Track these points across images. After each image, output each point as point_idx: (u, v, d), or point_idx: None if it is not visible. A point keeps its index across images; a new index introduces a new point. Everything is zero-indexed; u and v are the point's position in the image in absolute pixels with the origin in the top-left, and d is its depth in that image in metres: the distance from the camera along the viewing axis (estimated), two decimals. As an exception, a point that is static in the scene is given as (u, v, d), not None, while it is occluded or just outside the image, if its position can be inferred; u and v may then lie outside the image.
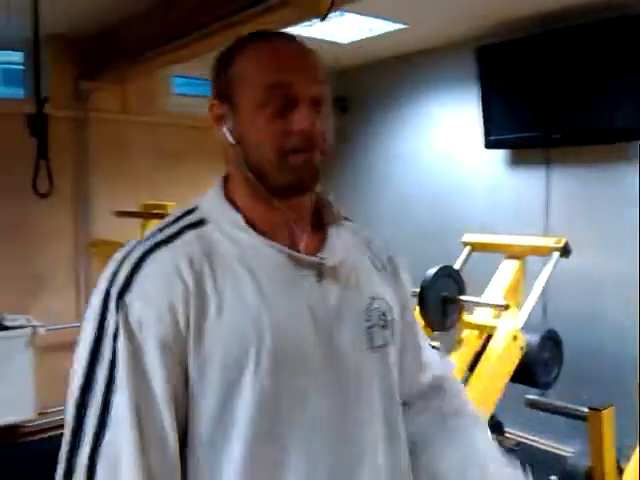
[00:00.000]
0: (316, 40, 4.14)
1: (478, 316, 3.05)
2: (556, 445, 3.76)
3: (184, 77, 4.94)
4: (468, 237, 3.35)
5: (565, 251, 3.04)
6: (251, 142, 0.91)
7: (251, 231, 0.92)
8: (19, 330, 3.88)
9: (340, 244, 0.99)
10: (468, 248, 3.33)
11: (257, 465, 0.86)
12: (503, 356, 2.72)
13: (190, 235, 0.91)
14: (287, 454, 0.87)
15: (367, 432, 0.94)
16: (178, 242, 0.90)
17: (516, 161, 4.04)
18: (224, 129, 0.94)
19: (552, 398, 3.20)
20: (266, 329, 0.86)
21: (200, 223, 0.93)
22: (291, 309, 0.90)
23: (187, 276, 0.86)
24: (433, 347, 1.19)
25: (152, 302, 0.85)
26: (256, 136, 0.90)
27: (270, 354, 0.86)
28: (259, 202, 0.95)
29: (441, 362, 1.15)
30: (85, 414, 0.84)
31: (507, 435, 2.96)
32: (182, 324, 0.85)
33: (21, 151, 3.40)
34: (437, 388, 1.11)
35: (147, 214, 3.65)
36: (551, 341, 2.95)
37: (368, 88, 4.99)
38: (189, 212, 0.96)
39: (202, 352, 0.85)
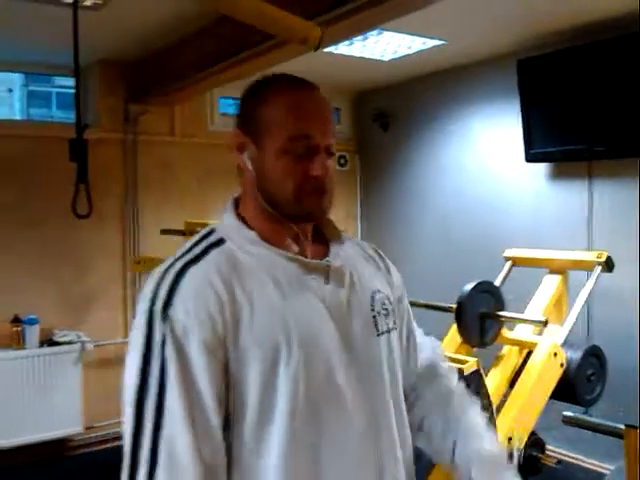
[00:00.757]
0: (356, 58, 4.21)
1: (519, 332, 3.02)
2: (599, 464, 3.66)
3: (230, 98, 5.07)
4: (509, 252, 3.32)
5: (608, 265, 2.99)
6: (271, 178, 1.07)
7: (265, 244, 1.07)
8: (69, 346, 4.03)
9: (341, 251, 1.16)
10: (509, 263, 3.30)
11: (297, 445, 1.00)
12: (543, 373, 2.68)
13: (215, 252, 1.06)
14: (323, 433, 1.02)
15: (382, 405, 1.10)
16: (207, 259, 1.04)
17: (558, 174, 3.99)
18: (244, 156, 1.10)
19: (596, 416, 3.14)
20: (292, 324, 1.01)
21: (220, 242, 1.08)
22: (308, 306, 1.05)
23: (219, 288, 1.00)
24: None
25: (192, 313, 0.97)
26: (276, 175, 1.06)
27: (298, 344, 1.01)
28: (268, 220, 1.11)
29: (430, 342, 1.34)
30: (143, 413, 0.95)
31: (548, 453, 2.90)
32: (220, 329, 0.98)
33: (68, 173, 3.54)
34: (431, 369, 1.29)
35: (191, 232, 3.75)
36: (594, 357, 2.89)
37: (409, 104, 5.02)
38: (208, 234, 1.10)
39: (240, 351, 0.99)
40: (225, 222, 1.12)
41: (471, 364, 2.43)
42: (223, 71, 3.46)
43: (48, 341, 4.07)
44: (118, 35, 3.77)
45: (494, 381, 2.84)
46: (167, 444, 0.94)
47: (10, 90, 12.52)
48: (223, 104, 5.01)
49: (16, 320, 4.01)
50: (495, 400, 2.71)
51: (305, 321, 1.03)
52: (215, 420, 0.97)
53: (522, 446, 2.60)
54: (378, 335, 1.12)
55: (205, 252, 1.05)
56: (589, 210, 3.79)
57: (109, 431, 4.14)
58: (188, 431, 0.94)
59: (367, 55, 4.18)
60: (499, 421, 2.55)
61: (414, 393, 1.27)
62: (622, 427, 1.85)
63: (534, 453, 2.87)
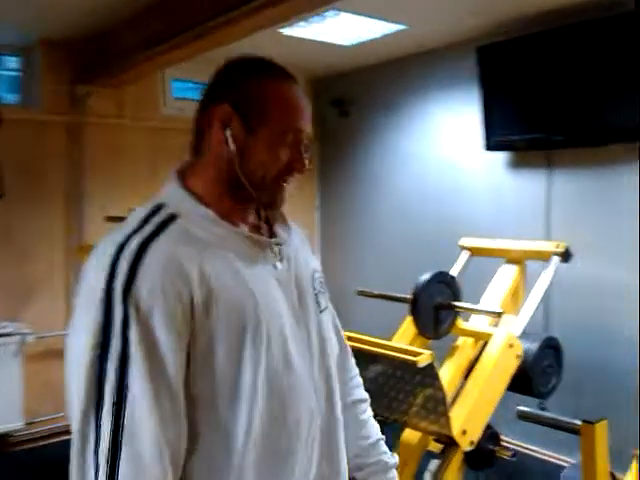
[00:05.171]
0: (314, 42, 4.08)
1: (474, 323, 2.95)
2: (556, 455, 3.63)
3: (183, 81, 4.89)
4: (466, 241, 3.25)
5: (565, 256, 2.94)
6: (256, 160, 1.07)
7: (222, 222, 1.07)
8: (7, 338, 3.84)
9: (286, 233, 1.20)
10: (466, 252, 3.23)
11: (265, 405, 1.02)
12: (498, 364, 2.61)
13: (172, 228, 1.01)
14: (284, 396, 1.05)
15: (325, 369, 1.16)
16: (165, 235, 0.99)
17: (518, 163, 3.93)
18: (227, 132, 1.07)
19: (552, 408, 3.09)
20: (257, 297, 1.03)
21: (172, 218, 1.03)
22: (266, 281, 1.08)
23: (185, 263, 0.97)
24: None
25: (159, 291, 0.93)
26: (263, 159, 1.07)
27: (263, 315, 1.03)
28: (227, 197, 1.10)
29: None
30: (101, 402, 0.90)
31: (504, 445, 2.84)
32: (188, 305, 0.96)
33: None
34: (343, 361, 1.35)
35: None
36: (551, 349, 2.84)
37: (369, 91, 4.92)
38: (157, 209, 1.04)
39: (211, 323, 0.97)
40: (172, 196, 1.08)
41: (425, 357, 2.34)
42: (171, 50, 3.31)
43: (-15, 333, 3.88)
44: (62, 12, 3.58)
45: (449, 372, 2.77)
46: (130, 434, 0.90)
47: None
48: (177, 88, 4.83)
49: (-48, 311, 3.82)
50: (450, 391, 2.64)
51: (265, 294, 1.06)
52: (181, 403, 0.95)
53: (477, 440, 2.53)
54: (321, 311, 1.19)
55: (161, 229, 1.00)
56: (547, 199, 3.74)
57: (52, 425, 4.00)
58: (154, 417, 0.91)
59: (326, 39, 4.06)
60: (453, 414, 2.48)
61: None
62: (578, 423, 1.77)
63: (489, 446, 2.81)
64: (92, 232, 4.16)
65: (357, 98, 5.03)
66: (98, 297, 0.93)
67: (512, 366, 2.67)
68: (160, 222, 1.02)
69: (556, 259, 2.93)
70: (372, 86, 4.89)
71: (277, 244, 1.14)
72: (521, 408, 1.90)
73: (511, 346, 2.66)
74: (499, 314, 2.67)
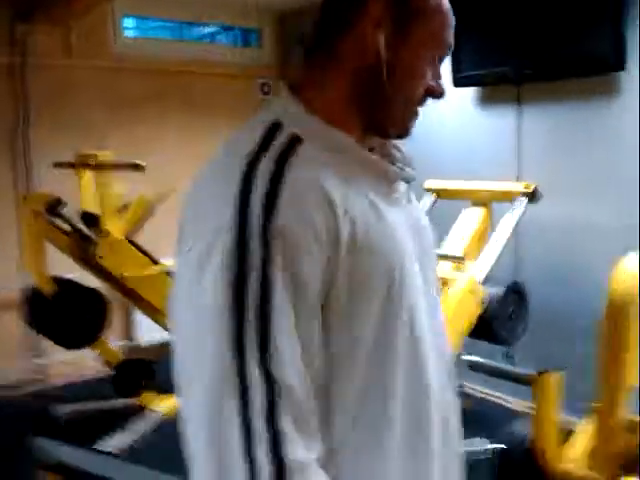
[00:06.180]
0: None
1: (439, 268, 2.81)
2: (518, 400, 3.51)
3: (136, 17, 4.60)
4: (431, 183, 3.09)
5: (534, 197, 2.80)
6: (406, 74, 0.88)
7: (357, 150, 0.87)
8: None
9: (409, 168, 0.99)
10: (432, 195, 3.07)
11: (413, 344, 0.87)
12: (459, 310, 2.49)
13: (302, 151, 0.80)
14: (422, 342, 0.89)
15: (443, 329, 0.99)
16: (299, 157, 0.79)
17: (487, 99, 3.73)
18: (381, 37, 0.85)
19: (519, 355, 3.00)
20: (399, 242, 0.86)
21: (297, 140, 0.81)
22: (401, 224, 0.89)
23: (331, 190, 0.78)
24: None
25: (307, 218, 0.75)
26: (415, 73, 0.88)
27: (404, 266, 0.85)
28: (354, 121, 0.89)
29: None
30: (245, 371, 0.72)
31: (466, 392, 2.75)
32: (334, 242, 0.77)
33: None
34: None
35: (83, 164, 3.36)
36: (515, 294, 2.72)
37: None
38: (274, 129, 0.82)
39: (355, 266, 0.79)
40: (289, 113, 0.85)
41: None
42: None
43: None
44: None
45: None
46: (282, 388, 0.73)
47: None
48: (131, 28, 4.54)
49: None
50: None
51: (404, 242, 0.88)
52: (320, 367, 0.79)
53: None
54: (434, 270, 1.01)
55: (290, 151, 0.79)
56: (518, 137, 3.56)
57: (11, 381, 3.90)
58: (300, 379, 0.75)
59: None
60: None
61: None
62: (529, 373, 1.65)
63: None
64: (43, 180, 3.95)
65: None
66: (229, 234, 0.74)
67: (473, 312, 2.55)
68: (286, 143, 0.81)
69: (523, 200, 2.79)
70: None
71: (408, 181, 0.96)
72: (470, 358, 1.78)
73: (472, 292, 2.53)
74: (460, 259, 2.54)
